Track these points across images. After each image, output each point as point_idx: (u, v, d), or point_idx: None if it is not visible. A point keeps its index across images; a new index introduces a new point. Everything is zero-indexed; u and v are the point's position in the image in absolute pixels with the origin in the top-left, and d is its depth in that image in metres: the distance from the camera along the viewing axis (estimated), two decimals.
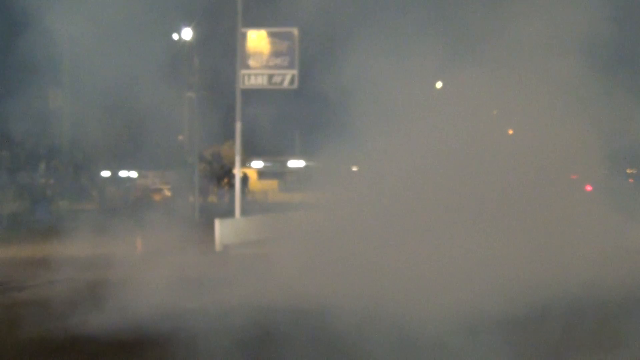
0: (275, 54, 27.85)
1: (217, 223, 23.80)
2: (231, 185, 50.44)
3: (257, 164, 77.61)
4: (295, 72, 27.59)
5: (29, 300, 14.33)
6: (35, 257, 21.52)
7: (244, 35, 27.57)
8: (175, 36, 46.09)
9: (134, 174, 58.00)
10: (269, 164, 79.21)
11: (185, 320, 12.34)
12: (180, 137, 55.92)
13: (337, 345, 10.77)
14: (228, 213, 27.77)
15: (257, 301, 13.96)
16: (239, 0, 26.36)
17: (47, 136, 47.30)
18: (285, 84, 27.66)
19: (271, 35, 27.99)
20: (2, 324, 12.25)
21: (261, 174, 76.88)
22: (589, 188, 21.03)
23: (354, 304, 13.28)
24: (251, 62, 27.74)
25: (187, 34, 44.83)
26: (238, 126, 26.79)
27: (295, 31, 27.99)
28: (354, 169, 25.18)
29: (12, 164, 40.56)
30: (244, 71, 27.43)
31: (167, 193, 53.24)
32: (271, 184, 72.67)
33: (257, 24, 28.50)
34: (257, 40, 27.97)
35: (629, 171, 38.00)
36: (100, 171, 51.99)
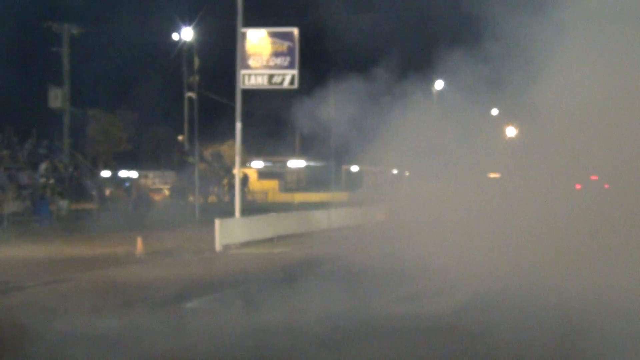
0: (275, 54, 27.81)
1: (217, 223, 23.81)
2: (231, 186, 50.51)
3: (257, 164, 77.61)
4: (295, 72, 27.53)
5: (34, 299, 14.32)
6: (37, 258, 21.51)
7: (244, 35, 27.51)
8: (175, 36, 46.16)
9: (134, 174, 58.08)
10: (269, 164, 79.19)
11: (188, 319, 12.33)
12: (180, 137, 56.04)
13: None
14: (228, 213, 27.73)
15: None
16: (239, 1, 26.32)
17: (48, 136, 47.38)
18: (286, 84, 27.62)
19: (271, 35, 27.96)
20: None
21: (261, 174, 76.88)
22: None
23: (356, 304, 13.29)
24: (251, 62, 27.69)
25: (187, 34, 44.87)
26: (238, 126, 26.77)
27: (295, 31, 27.96)
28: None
29: (13, 163, 40.60)
30: (244, 71, 27.37)
31: (167, 193, 53.32)
32: (271, 184, 72.67)
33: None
34: (257, 40, 27.95)
35: None
36: (100, 171, 52.08)
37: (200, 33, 44.14)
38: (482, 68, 19.07)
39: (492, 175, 25.37)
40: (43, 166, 41.22)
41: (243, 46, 27.41)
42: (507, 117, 26.59)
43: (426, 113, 22.45)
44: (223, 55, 28.23)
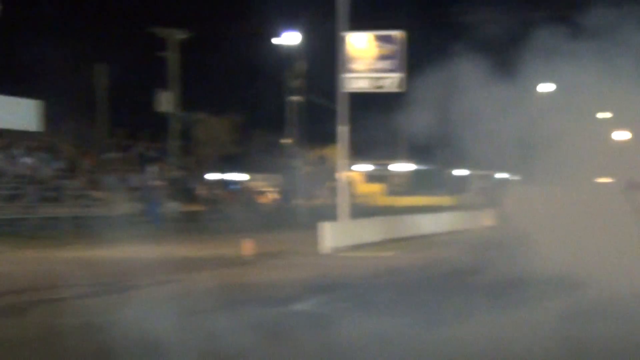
0: (380, 57, 27.70)
1: (324, 226, 23.95)
2: (336, 189, 50.72)
3: (363, 167, 77.67)
4: (402, 75, 27.19)
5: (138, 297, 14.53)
6: (149, 258, 21.96)
7: (346, 39, 27.47)
8: (281, 40, 46.56)
9: (241, 177, 58.84)
10: (375, 167, 79.12)
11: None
12: (286, 140, 56.56)
13: None
14: (333, 216, 27.75)
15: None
16: (340, 4, 26.38)
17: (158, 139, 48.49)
18: (392, 87, 27.44)
19: (376, 38, 27.88)
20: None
21: (367, 177, 76.87)
22: None
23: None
24: (355, 66, 27.65)
25: (292, 38, 45.26)
26: (342, 130, 26.88)
27: (401, 34, 27.80)
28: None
29: (124, 166, 41.64)
30: (347, 75, 27.34)
31: (272, 196, 53.90)
32: (377, 187, 72.60)
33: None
34: (361, 43, 27.90)
35: None
36: (207, 174, 52.96)
37: (306, 36, 44.53)
38: (592, 68, 18.62)
39: (601, 179, 24.78)
40: (153, 168, 42.21)
41: (344, 50, 27.43)
42: (618, 120, 26.01)
43: (533, 115, 22.10)
44: (330, 58, 28.36)
